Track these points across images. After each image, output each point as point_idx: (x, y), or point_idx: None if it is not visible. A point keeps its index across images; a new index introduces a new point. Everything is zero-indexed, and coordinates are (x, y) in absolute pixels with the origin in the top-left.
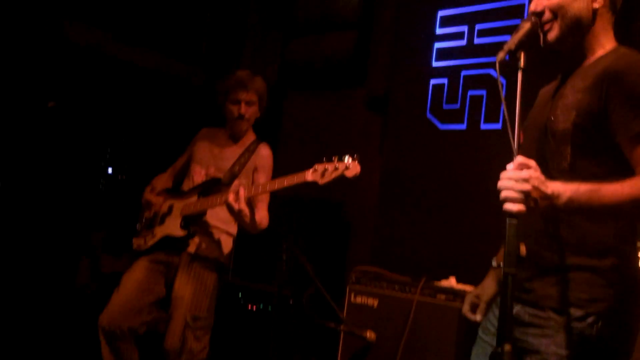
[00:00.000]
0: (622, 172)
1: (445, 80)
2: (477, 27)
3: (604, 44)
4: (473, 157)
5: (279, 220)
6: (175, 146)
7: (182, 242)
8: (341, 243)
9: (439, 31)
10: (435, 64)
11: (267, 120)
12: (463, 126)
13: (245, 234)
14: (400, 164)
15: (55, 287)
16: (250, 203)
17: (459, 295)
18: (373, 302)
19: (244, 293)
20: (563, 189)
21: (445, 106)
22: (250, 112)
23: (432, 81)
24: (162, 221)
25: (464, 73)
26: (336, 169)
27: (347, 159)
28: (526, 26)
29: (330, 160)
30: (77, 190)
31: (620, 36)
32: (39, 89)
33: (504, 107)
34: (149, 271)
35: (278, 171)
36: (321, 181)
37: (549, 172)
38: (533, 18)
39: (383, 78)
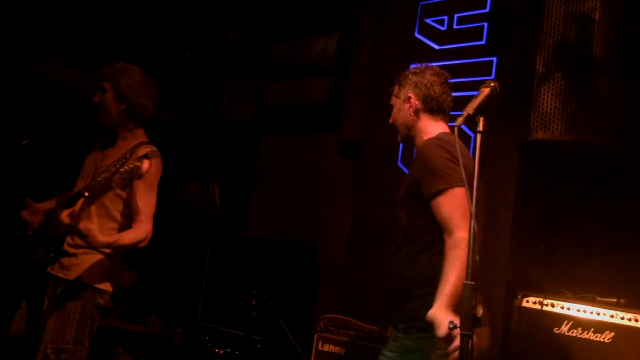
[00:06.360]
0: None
1: None
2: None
3: (429, 132)
4: None
5: (249, 262)
6: None
7: (45, 265)
8: (310, 287)
9: None
10: None
11: (242, 161)
12: None
13: (216, 276)
14: (371, 211)
15: None
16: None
17: None
18: (340, 350)
19: (211, 336)
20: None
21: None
22: (101, 100)
23: None
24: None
25: None
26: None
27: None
28: (485, 91)
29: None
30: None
31: None
32: (12, 127)
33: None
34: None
35: (252, 213)
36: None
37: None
38: (492, 83)
39: (356, 125)
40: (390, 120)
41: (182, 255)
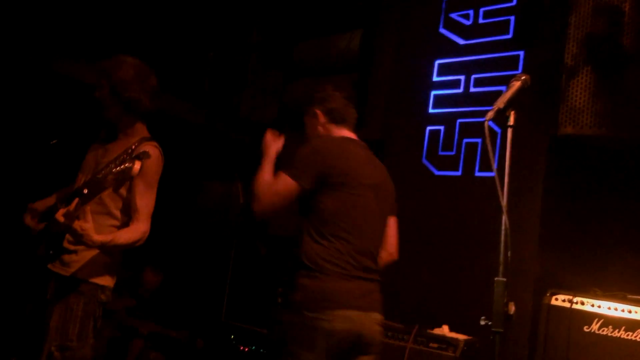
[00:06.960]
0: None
1: (441, 127)
2: (473, 76)
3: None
4: (468, 203)
5: (274, 261)
6: (169, 181)
7: (46, 263)
8: None
9: (436, 79)
10: (431, 110)
11: None
12: (458, 172)
13: (240, 275)
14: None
15: None
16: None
17: (452, 344)
18: None
19: (236, 334)
20: None
21: (441, 152)
22: (100, 96)
23: (429, 128)
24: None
25: (459, 121)
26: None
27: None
28: (516, 85)
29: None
30: None
31: None
32: (40, 126)
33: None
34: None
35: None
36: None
37: None
38: (523, 77)
39: (380, 122)
40: (306, 135)
41: (206, 254)
